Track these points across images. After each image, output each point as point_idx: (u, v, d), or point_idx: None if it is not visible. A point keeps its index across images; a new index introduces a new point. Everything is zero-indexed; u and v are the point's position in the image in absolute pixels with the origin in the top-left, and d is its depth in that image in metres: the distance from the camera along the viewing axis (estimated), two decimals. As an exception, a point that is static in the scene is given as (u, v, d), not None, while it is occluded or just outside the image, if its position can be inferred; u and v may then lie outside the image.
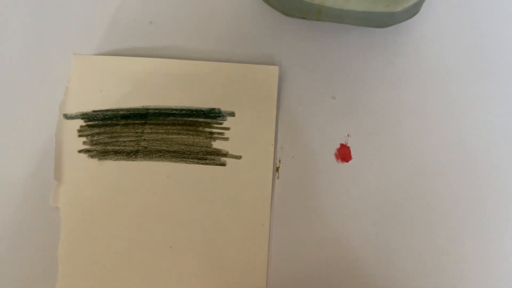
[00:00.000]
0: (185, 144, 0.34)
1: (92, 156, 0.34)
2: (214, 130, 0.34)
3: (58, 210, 0.33)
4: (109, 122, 0.34)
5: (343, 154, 0.34)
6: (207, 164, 0.34)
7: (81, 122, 0.34)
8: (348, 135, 0.34)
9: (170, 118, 0.34)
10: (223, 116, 0.34)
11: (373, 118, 0.34)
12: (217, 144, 0.34)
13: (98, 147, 0.34)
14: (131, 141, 0.34)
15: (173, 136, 0.34)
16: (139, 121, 0.34)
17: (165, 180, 0.34)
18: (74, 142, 0.34)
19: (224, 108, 0.34)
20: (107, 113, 0.34)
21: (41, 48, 0.36)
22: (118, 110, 0.34)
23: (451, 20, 0.36)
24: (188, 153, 0.34)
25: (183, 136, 0.34)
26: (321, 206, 0.33)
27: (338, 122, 0.34)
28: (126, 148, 0.34)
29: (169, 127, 0.34)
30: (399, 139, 0.34)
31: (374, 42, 0.36)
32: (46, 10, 0.36)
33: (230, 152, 0.34)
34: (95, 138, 0.34)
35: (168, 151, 0.34)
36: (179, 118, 0.34)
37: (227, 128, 0.34)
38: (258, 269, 0.32)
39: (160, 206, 0.33)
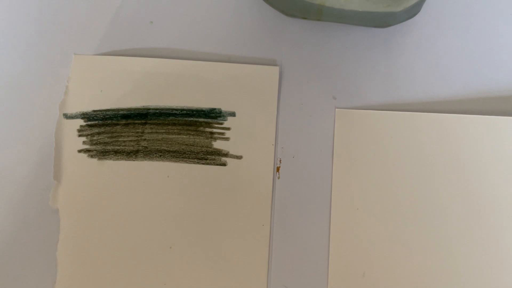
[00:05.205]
0: (186, 144, 0.34)
1: (92, 156, 0.34)
2: (214, 130, 0.34)
3: (57, 210, 0.33)
4: (109, 122, 0.34)
5: (344, 154, 0.34)
6: (207, 164, 0.34)
7: (81, 122, 0.34)
8: (348, 135, 0.34)
9: (171, 118, 0.34)
10: (223, 116, 0.34)
11: (373, 118, 0.35)
12: (217, 144, 0.34)
13: (98, 147, 0.34)
14: (131, 141, 0.34)
15: (174, 136, 0.34)
16: (139, 121, 0.34)
17: (165, 180, 0.33)
18: (74, 141, 0.34)
19: (224, 108, 0.34)
20: (107, 113, 0.34)
21: (42, 48, 0.35)
22: (118, 110, 0.34)
23: (451, 20, 0.36)
24: (189, 153, 0.34)
25: (184, 136, 0.34)
26: (322, 206, 0.33)
27: (339, 122, 0.34)
28: (126, 148, 0.34)
29: (169, 127, 0.34)
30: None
31: (374, 42, 0.36)
32: (47, 10, 0.36)
33: (231, 152, 0.34)
34: (95, 138, 0.34)
35: (169, 151, 0.34)
36: (180, 118, 0.34)
37: (228, 128, 0.34)
38: (259, 269, 0.32)
39: (160, 206, 0.33)
